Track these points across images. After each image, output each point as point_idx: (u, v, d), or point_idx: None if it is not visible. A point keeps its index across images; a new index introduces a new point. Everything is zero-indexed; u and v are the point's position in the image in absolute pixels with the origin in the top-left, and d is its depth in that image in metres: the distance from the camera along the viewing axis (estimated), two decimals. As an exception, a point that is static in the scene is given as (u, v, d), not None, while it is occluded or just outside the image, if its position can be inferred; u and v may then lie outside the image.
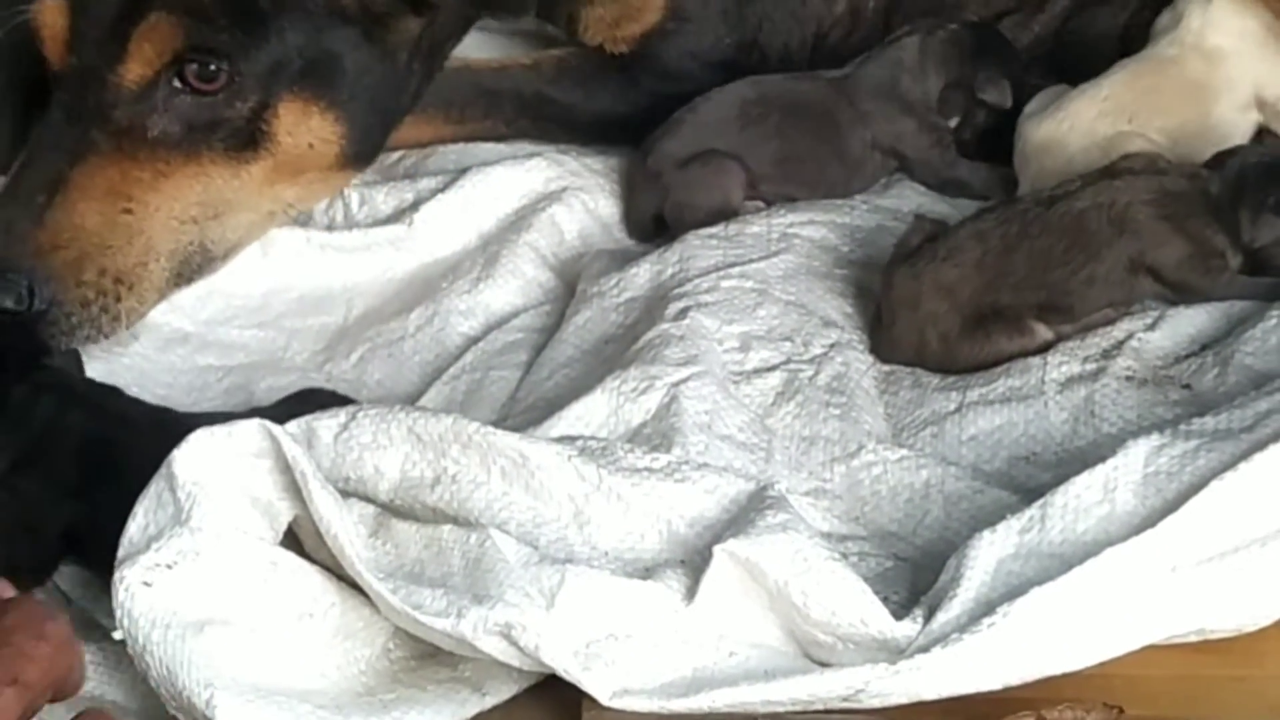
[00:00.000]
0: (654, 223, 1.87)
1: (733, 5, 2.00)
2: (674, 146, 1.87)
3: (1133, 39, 1.95)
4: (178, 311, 1.76)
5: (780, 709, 1.19)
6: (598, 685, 1.18)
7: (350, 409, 1.36)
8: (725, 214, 1.83)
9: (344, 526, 1.24)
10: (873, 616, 1.21)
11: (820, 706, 1.19)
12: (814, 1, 2.04)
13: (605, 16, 2.00)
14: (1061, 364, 1.54)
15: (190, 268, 1.73)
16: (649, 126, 1.91)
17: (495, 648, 1.18)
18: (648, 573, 1.26)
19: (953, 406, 1.53)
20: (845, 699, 1.18)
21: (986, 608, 1.20)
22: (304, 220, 1.88)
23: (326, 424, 1.34)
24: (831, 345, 1.62)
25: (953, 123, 1.94)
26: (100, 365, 1.66)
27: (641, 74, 1.99)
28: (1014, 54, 1.96)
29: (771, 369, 1.59)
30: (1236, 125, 1.79)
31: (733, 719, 1.18)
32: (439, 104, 1.98)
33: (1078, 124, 1.81)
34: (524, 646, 1.17)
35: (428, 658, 1.28)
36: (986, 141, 1.94)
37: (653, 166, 1.87)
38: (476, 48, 2.12)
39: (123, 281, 1.67)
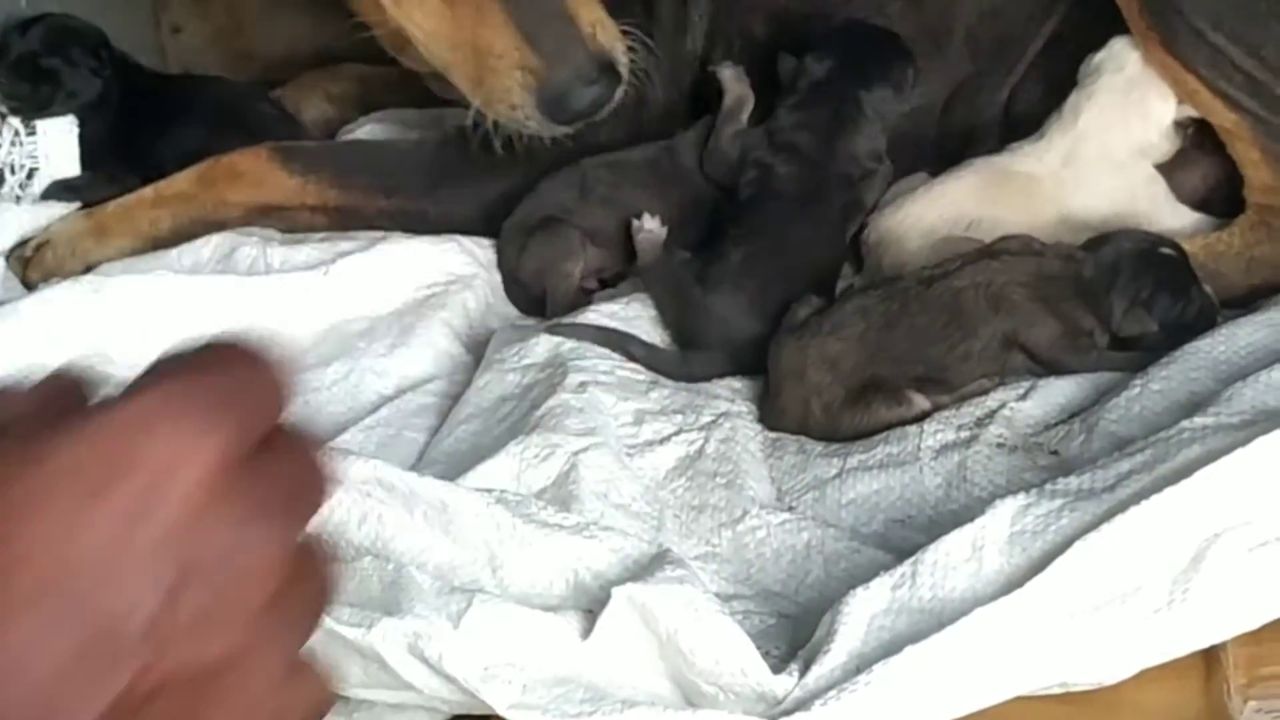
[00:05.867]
0: (519, 287, 1.88)
1: None
2: (519, 216, 1.89)
3: (1018, 119, 1.95)
4: (103, 358, 1.74)
5: None
6: (496, 697, 1.16)
7: None
8: (565, 276, 1.84)
9: None
10: (752, 668, 1.20)
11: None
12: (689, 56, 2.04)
13: None
14: (937, 432, 1.54)
15: None
16: None
17: (400, 661, 1.17)
18: (550, 611, 1.25)
19: (834, 472, 1.52)
20: None
21: (860, 662, 1.19)
22: (222, 268, 1.88)
23: None
24: (720, 414, 1.61)
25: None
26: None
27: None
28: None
29: (664, 440, 1.58)
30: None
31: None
32: (358, 173, 2.01)
33: (917, 225, 1.80)
34: (429, 657, 1.16)
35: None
36: None
37: (504, 235, 1.90)
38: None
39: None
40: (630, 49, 1.72)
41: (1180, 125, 1.82)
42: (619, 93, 1.70)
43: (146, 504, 0.61)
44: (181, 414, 0.62)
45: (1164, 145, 1.82)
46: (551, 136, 1.74)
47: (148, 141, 2.14)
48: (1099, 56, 1.83)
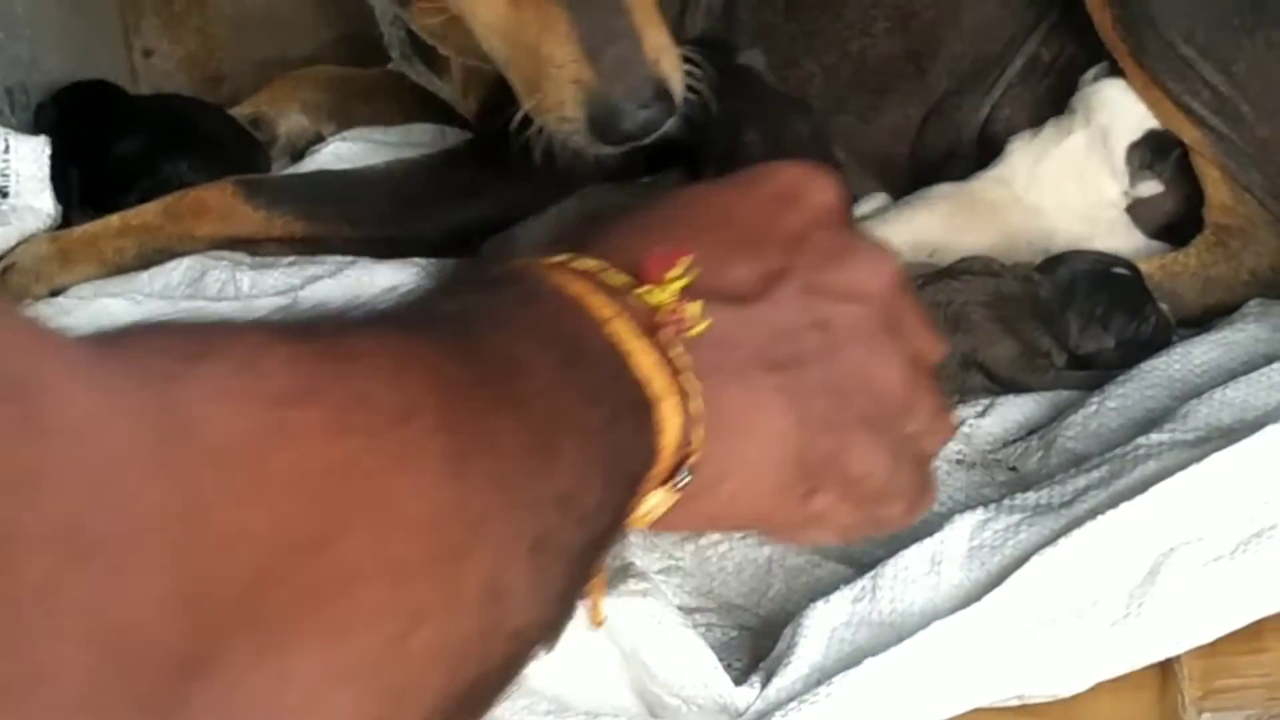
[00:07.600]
0: None
1: None
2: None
3: (994, 140, 1.92)
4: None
5: None
6: None
7: None
8: None
9: None
10: (714, 681, 1.20)
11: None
12: None
13: None
14: (897, 449, 1.54)
15: None
16: None
17: None
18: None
19: (795, 486, 1.52)
20: None
21: (821, 674, 1.19)
22: (192, 292, 1.87)
23: None
24: (684, 430, 1.61)
25: None
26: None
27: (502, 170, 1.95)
28: None
29: (627, 457, 1.58)
30: None
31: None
32: (301, 205, 1.98)
33: None
34: None
35: None
36: None
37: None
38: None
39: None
40: (690, 77, 1.67)
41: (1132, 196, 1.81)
42: (671, 121, 1.64)
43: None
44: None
45: (1110, 211, 1.81)
46: (596, 155, 1.69)
47: (100, 149, 2.13)
48: (1082, 94, 1.82)
